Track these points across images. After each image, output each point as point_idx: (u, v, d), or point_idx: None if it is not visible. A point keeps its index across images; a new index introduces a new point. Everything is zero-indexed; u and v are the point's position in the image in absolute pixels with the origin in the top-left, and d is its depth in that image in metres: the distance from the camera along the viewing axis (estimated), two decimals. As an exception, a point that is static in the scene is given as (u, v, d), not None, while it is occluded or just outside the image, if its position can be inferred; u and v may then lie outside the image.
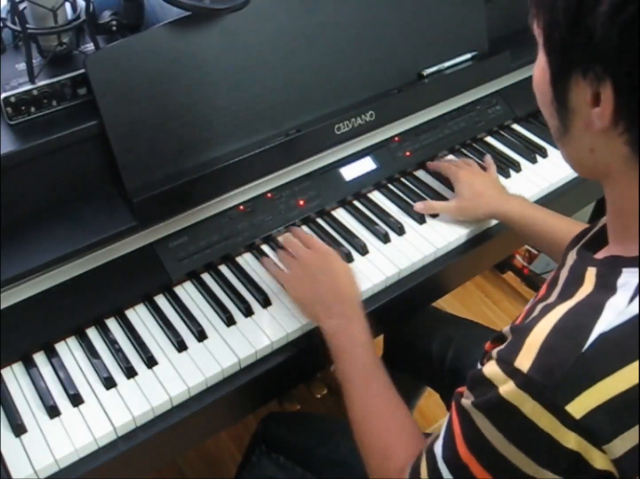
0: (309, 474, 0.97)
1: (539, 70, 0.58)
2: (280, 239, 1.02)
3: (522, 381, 0.53)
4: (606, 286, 0.55)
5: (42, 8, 0.86)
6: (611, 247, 0.62)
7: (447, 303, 1.25)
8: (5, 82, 0.88)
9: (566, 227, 0.96)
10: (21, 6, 0.88)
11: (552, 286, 0.63)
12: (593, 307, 0.54)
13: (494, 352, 0.57)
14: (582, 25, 0.50)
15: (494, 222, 1.09)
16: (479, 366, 0.62)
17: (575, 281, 0.59)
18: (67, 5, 0.92)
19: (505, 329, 0.60)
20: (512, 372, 0.54)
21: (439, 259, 1.04)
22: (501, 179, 1.17)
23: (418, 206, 1.08)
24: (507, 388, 0.54)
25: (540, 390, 0.52)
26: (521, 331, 0.56)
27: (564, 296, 0.58)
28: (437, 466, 0.62)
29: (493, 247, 1.12)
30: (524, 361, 0.53)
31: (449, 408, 1.12)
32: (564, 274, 0.63)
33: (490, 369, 0.56)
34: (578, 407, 0.51)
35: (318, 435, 1.00)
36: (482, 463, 0.57)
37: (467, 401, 0.58)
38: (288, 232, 1.03)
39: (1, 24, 0.93)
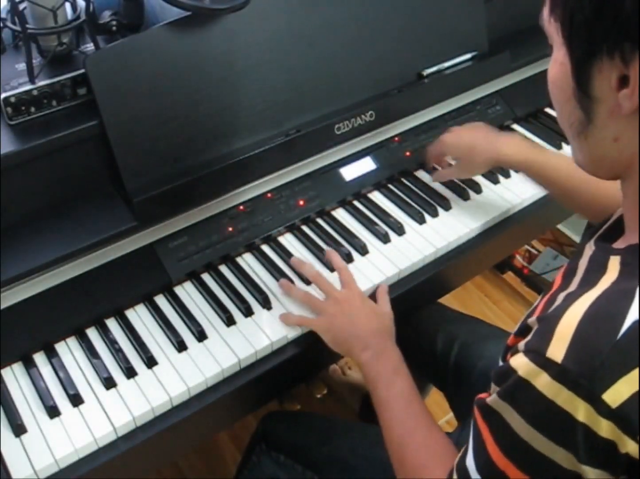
0: (309, 473, 0.97)
1: (556, 65, 0.58)
2: (308, 270, 0.97)
3: (557, 371, 0.52)
4: (633, 273, 0.55)
5: (42, 8, 0.86)
6: (629, 237, 0.60)
7: (447, 303, 1.24)
8: (5, 82, 0.88)
9: (568, 166, 0.95)
10: (21, 6, 0.88)
11: (570, 276, 0.62)
12: (623, 293, 0.53)
13: (521, 344, 0.56)
14: (609, 3, 0.50)
15: (494, 222, 1.10)
16: (501, 363, 0.61)
17: (597, 269, 0.58)
18: (67, 5, 0.92)
19: (531, 319, 0.58)
20: (544, 363, 0.53)
21: (439, 260, 1.04)
22: (501, 179, 1.17)
23: (435, 176, 1.13)
24: (542, 381, 0.53)
25: (576, 380, 0.51)
26: (549, 320, 0.55)
27: (586, 284, 0.57)
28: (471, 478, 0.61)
29: (493, 248, 1.12)
30: (557, 350, 0.52)
31: (452, 405, 1.13)
32: (583, 264, 0.62)
33: (519, 361, 0.55)
34: (614, 395, 0.50)
35: (318, 434, 1.00)
36: (518, 464, 0.56)
37: (495, 399, 0.57)
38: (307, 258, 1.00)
39: (1, 24, 0.93)
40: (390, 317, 0.92)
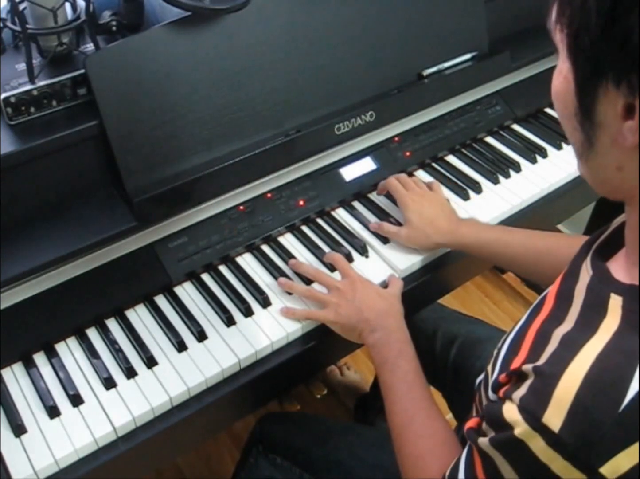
0: (307, 475, 0.97)
1: (559, 79, 0.54)
2: (304, 269, 0.97)
3: (553, 440, 0.50)
4: (634, 325, 0.51)
5: (42, 8, 0.86)
6: (631, 270, 0.56)
7: (447, 303, 1.24)
8: (5, 82, 0.88)
9: (522, 241, 0.94)
10: (21, 6, 0.88)
11: (564, 301, 0.59)
12: (626, 355, 0.50)
13: (516, 396, 0.54)
14: (617, 28, 0.45)
15: (494, 222, 1.09)
16: (492, 394, 0.59)
17: (596, 308, 0.55)
18: (67, 6, 0.92)
19: (526, 367, 0.55)
20: (540, 428, 0.51)
21: (439, 260, 1.04)
22: (501, 179, 1.17)
23: (372, 226, 1.05)
24: (537, 445, 0.51)
25: (572, 452, 0.49)
26: (546, 379, 0.52)
27: (584, 326, 0.54)
28: None
29: (493, 248, 1.12)
30: (554, 418, 0.50)
31: (450, 405, 1.13)
32: (579, 292, 0.58)
33: (514, 418, 0.53)
34: (613, 468, 0.49)
35: (315, 436, 1.00)
36: None
37: (489, 446, 0.56)
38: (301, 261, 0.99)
39: (1, 24, 0.93)
40: (398, 298, 0.92)
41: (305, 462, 0.98)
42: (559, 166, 1.21)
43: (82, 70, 0.89)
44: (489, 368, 0.66)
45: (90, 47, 0.96)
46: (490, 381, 0.61)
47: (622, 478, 0.49)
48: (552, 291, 0.64)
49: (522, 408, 0.53)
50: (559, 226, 2.06)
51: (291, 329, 0.91)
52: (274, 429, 1.03)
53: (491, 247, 0.96)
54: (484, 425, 0.58)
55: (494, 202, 1.13)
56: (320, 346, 0.93)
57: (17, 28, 0.89)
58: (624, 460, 0.49)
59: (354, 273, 0.94)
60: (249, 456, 1.04)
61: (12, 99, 0.86)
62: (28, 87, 0.87)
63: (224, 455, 1.56)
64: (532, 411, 0.52)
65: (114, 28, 0.96)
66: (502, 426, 0.54)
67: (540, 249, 0.92)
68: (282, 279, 0.96)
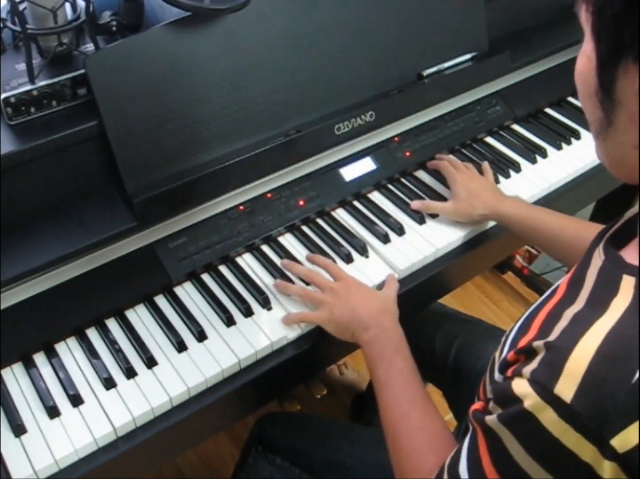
0: (307, 476, 0.97)
1: (583, 58, 0.55)
2: (301, 268, 0.98)
3: (565, 411, 0.50)
4: None
5: (42, 8, 0.86)
6: None
7: (447, 304, 1.24)
8: (5, 82, 0.88)
9: (560, 223, 0.97)
10: (21, 6, 0.88)
11: (576, 287, 0.59)
12: (639, 329, 0.50)
13: (526, 370, 0.53)
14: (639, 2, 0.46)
15: (494, 222, 1.09)
16: (498, 375, 0.59)
17: (607, 287, 0.55)
18: (67, 6, 0.92)
19: (537, 343, 0.54)
20: (552, 400, 0.50)
21: (439, 260, 1.04)
22: (501, 179, 1.17)
23: (415, 204, 1.09)
24: (547, 417, 0.51)
25: (584, 423, 0.49)
26: (558, 352, 0.52)
27: (595, 304, 0.54)
28: None
29: (493, 248, 1.12)
30: (565, 389, 0.50)
31: (451, 405, 1.13)
32: (591, 275, 0.58)
33: (524, 390, 0.53)
34: (622, 441, 0.49)
35: (315, 436, 1.00)
36: None
37: (496, 422, 0.55)
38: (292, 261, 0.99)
39: (1, 25, 0.93)
40: (393, 300, 0.92)
41: (304, 462, 0.98)
42: (559, 166, 1.21)
43: (82, 70, 0.89)
44: (497, 354, 0.66)
45: (90, 47, 0.96)
46: (497, 363, 0.61)
47: (632, 451, 0.49)
48: (565, 279, 0.64)
49: (533, 381, 0.52)
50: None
51: (291, 330, 0.91)
52: (274, 430, 1.03)
53: (531, 224, 0.99)
54: (491, 404, 0.57)
55: (494, 202, 1.13)
56: (320, 346, 0.93)
57: (17, 28, 0.89)
58: (635, 433, 0.49)
59: (347, 276, 0.94)
60: (249, 456, 1.04)
61: (12, 99, 0.86)
62: (28, 87, 0.87)
63: (224, 455, 1.56)
64: (544, 383, 0.51)
65: (114, 28, 0.96)
66: (511, 400, 0.54)
67: (575, 234, 0.94)
68: (277, 281, 0.96)
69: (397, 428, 0.77)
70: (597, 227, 0.93)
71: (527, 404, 0.52)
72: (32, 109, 0.89)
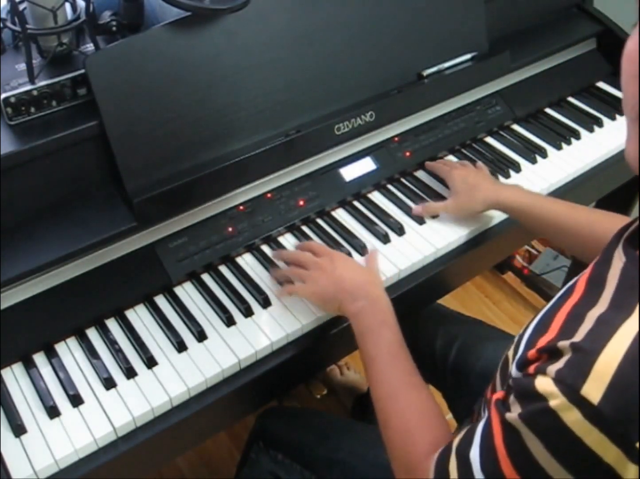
0: (308, 473, 0.97)
1: (634, 40, 0.54)
2: (283, 254, 1.00)
3: (591, 413, 0.50)
4: None
5: (42, 8, 0.86)
6: None
7: (447, 304, 1.24)
8: (5, 82, 0.88)
9: (565, 210, 0.96)
10: (21, 6, 0.88)
11: (597, 287, 0.59)
12: None
13: (550, 370, 0.53)
14: None
15: (493, 222, 1.10)
16: (516, 371, 0.58)
17: (630, 291, 0.55)
18: (67, 6, 0.92)
19: (562, 343, 0.54)
20: (578, 401, 0.50)
21: (439, 260, 1.04)
22: (501, 179, 1.17)
23: (416, 210, 1.08)
24: (572, 418, 0.51)
25: (611, 425, 0.49)
26: (585, 353, 0.52)
27: (619, 307, 0.54)
28: (474, 476, 0.59)
29: (493, 248, 1.12)
30: (593, 390, 0.50)
31: (451, 406, 1.13)
32: (613, 276, 0.58)
33: (548, 389, 0.53)
34: None
35: (317, 433, 1.00)
36: None
37: (516, 418, 0.55)
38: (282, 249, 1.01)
39: (1, 25, 0.94)
40: (377, 273, 0.93)
41: (306, 460, 0.98)
42: (558, 166, 1.21)
43: (82, 71, 0.89)
44: (509, 353, 0.66)
45: (90, 47, 0.96)
46: (515, 360, 0.60)
47: None
48: (582, 278, 0.64)
49: (559, 380, 0.52)
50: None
51: (291, 329, 0.91)
52: (275, 425, 1.03)
53: (534, 211, 0.98)
54: (511, 398, 0.57)
55: (494, 202, 1.13)
56: (320, 346, 0.93)
57: (17, 28, 0.89)
58: None
59: (332, 251, 0.94)
60: (250, 451, 1.04)
61: (12, 99, 0.86)
62: (28, 87, 0.87)
63: (224, 455, 1.56)
64: (571, 383, 0.51)
65: (114, 28, 0.96)
66: (533, 398, 0.54)
67: (582, 221, 0.93)
68: (271, 269, 0.97)
69: (387, 408, 0.76)
70: (605, 215, 0.92)
71: (552, 404, 0.52)
72: (32, 109, 0.89)
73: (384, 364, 0.79)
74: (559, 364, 0.53)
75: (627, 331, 0.52)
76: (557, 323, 0.58)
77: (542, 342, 0.57)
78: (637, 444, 0.49)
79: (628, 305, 0.54)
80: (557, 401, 0.52)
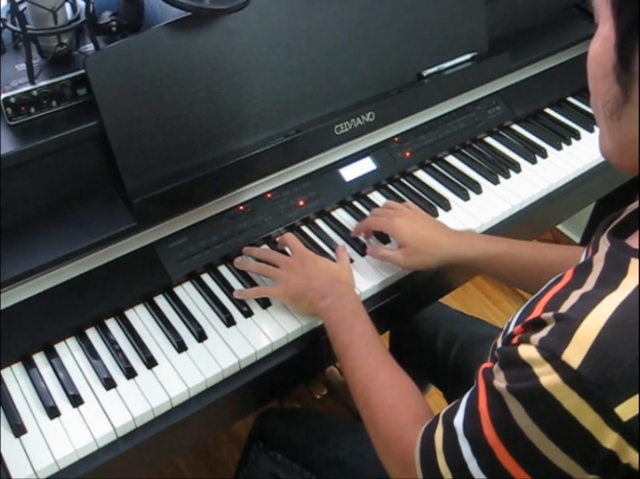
0: (307, 473, 0.97)
1: (599, 40, 0.56)
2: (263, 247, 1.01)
3: (571, 376, 0.51)
4: None
5: (42, 9, 0.86)
6: None
7: (447, 303, 1.24)
8: (5, 82, 0.88)
9: (530, 251, 0.92)
10: (21, 7, 0.88)
11: (583, 272, 0.59)
12: None
13: (534, 338, 0.54)
14: None
15: (494, 222, 1.10)
16: (500, 344, 0.60)
17: (616, 269, 0.56)
18: (67, 6, 0.92)
19: (546, 314, 0.55)
20: (558, 365, 0.51)
21: (439, 260, 1.04)
22: (501, 179, 1.17)
23: (369, 250, 1.00)
24: (550, 380, 0.52)
25: (589, 389, 0.50)
26: (568, 321, 0.53)
27: (604, 285, 0.55)
28: (458, 441, 0.60)
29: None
30: (574, 355, 0.51)
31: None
32: (598, 260, 0.59)
33: (530, 354, 0.54)
34: (627, 409, 0.49)
35: (316, 433, 1.00)
36: (511, 451, 0.55)
37: (500, 384, 0.56)
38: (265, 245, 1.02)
39: (1, 25, 0.94)
40: (348, 269, 0.93)
41: (306, 460, 0.98)
42: (559, 166, 1.21)
43: (82, 71, 0.89)
44: (498, 340, 0.66)
45: (90, 47, 0.96)
46: (501, 340, 0.61)
47: (636, 419, 0.49)
48: (570, 269, 0.64)
49: (542, 347, 0.53)
50: (559, 226, 2.06)
51: (291, 330, 0.91)
52: (274, 426, 1.03)
53: (502, 260, 0.92)
54: (495, 367, 0.58)
55: (493, 202, 1.13)
56: (321, 346, 0.92)
57: (17, 28, 0.89)
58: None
59: (303, 248, 0.95)
60: (250, 452, 1.04)
61: (12, 99, 0.86)
62: (28, 87, 0.87)
63: (224, 455, 1.56)
64: (552, 349, 0.52)
65: (114, 28, 0.96)
66: (517, 365, 0.55)
67: (552, 260, 0.90)
68: (236, 260, 0.97)
69: (367, 388, 0.76)
70: (572, 250, 0.92)
71: (535, 370, 0.53)
72: (32, 109, 0.89)
73: (360, 349, 0.80)
74: (543, 333, 0.54)
75: (611, 300, 0.53)
76: (543, 302, 0.59)
77: (529, 318, 0.58)
78: (616, 409, 0.49)
79: (612, 282, 0.55)
80: (539, 367, 0.53)
